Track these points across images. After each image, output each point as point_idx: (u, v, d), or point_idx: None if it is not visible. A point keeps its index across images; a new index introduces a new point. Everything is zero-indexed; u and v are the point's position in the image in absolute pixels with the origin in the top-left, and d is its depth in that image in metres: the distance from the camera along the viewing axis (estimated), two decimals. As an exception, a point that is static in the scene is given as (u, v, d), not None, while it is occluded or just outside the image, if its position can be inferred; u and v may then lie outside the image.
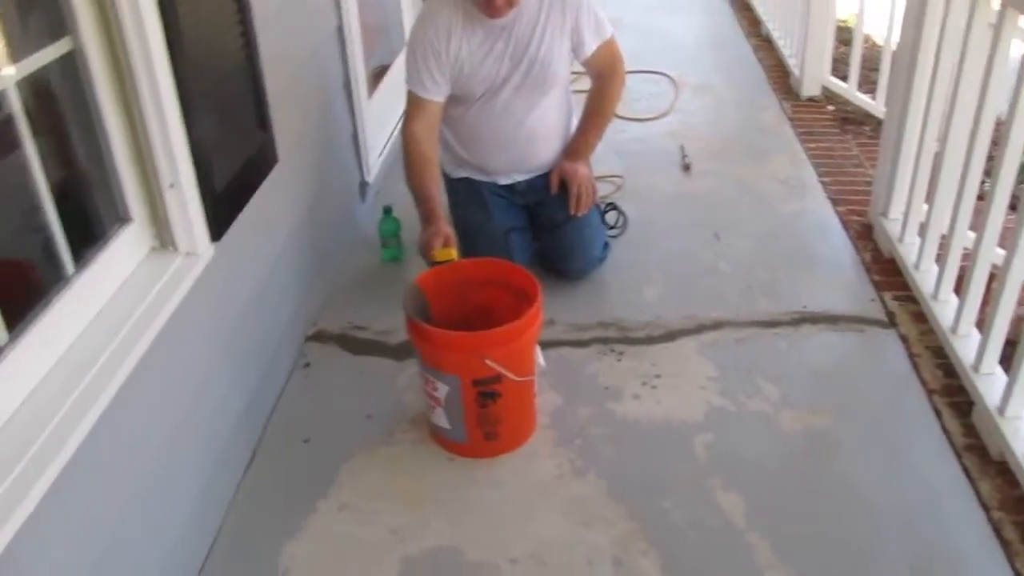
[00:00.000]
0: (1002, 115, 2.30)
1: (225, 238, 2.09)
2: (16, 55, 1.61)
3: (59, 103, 1.80)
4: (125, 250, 1.88)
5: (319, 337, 2.80)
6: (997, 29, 2.31)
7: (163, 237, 1.97)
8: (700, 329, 2.75)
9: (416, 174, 2.81)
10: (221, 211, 2.08)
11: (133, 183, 1.89)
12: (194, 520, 2.02)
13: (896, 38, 3.17)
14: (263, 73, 2.30)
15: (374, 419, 2.46)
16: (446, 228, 2.66)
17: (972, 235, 2.47)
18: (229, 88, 2.17)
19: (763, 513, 2.11)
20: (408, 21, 4.22)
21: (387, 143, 3.77)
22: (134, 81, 1.80)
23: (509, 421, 2.29)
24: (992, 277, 2.40)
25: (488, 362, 2.13)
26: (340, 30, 3.20)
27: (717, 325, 2.77)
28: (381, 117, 3.70)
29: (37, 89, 1.70)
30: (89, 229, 1.84)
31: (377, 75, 3.88)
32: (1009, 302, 2.27)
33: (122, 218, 1.89)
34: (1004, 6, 2.27)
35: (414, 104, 2.83)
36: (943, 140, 2.66)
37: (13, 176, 1.64)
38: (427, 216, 2.71)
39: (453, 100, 2.87)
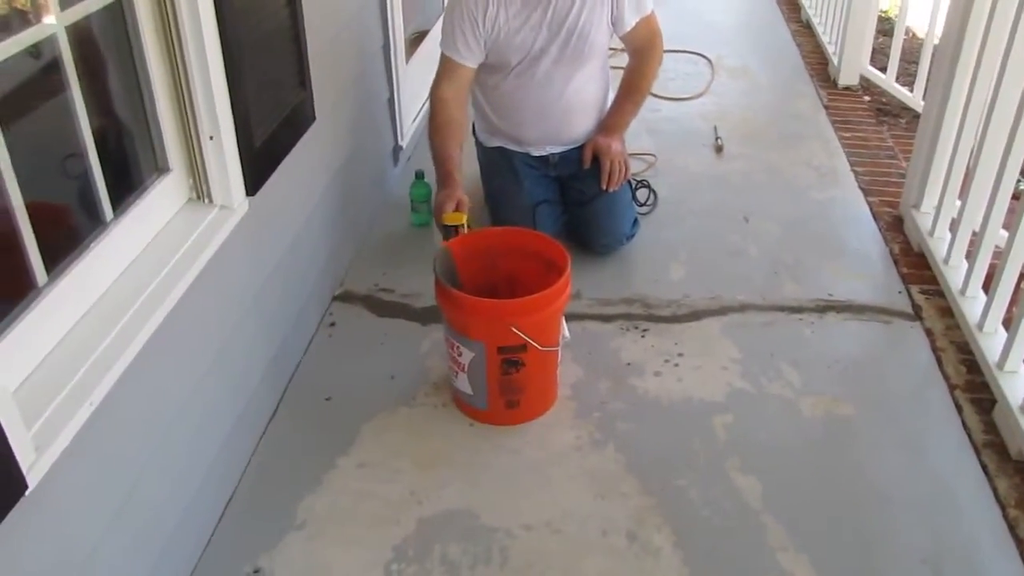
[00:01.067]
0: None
1: (260, 193, 2.11)
2: (65, 1, 1.62)
3: (105, 51, 1.81)
4: (162, 200, 1.90)
5: (346, 297, 2.82)
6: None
7: (200, 189, 1.99)
8: (725, 311, 2.75)
9: (439, 136, 2.81)
10: (258, 166, 2.10)
11: (173, 134, 1.91)
12: (217, 467, 2.05)
13: (938, 31, 3.14)
14: (305, 31, 2.30)
15: (397, 381, 2.48)
16: (460, 193, 2.65)
17: (1004, 233, 2.46)
18: (272, 44, 2.18)
19: (778, 496, 2.12)
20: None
21: (422, 108, 3.77)
22: (179, 32, 1.82)
23: (531, 390, 2.30)
24: (1022, 276, 2.39)
25: (514, 330, 2.14)
26: (383, -6, 3.21)
27: (742, 308, 2.77)
28: (417, 83, 3.70)
29: (84, 36, 1.71)
30: (128, 177, 1.86)
31: (415, 41, 3.87)
32: (1037, 302, 2.27)
33: (161, 168, 1.91)
34: (1054, 3, 2.25)
35: (446, 67, 2.84)
36: (981, 136, 2.64)
37: (57, 121, 1.65)
38: (443, 179, 2.72)
39: (489, 68, 2.88)
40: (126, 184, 1.83)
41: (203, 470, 1.98)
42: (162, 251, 1.83)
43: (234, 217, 2.01)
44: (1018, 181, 2.47)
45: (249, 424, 2.24)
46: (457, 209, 2.59)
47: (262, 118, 2.11)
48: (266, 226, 2.24)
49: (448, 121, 2.81)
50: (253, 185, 2.08)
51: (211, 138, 1.94)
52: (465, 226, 2.55)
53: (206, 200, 2.00)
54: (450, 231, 2.53)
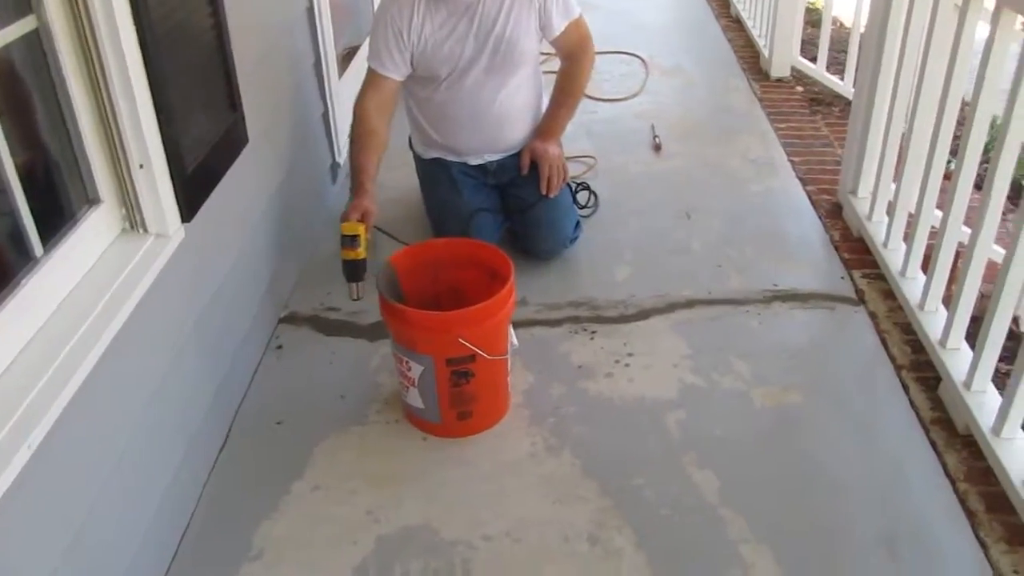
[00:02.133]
0: (967, 95, 2.32)
1: (196, 219, 2.07)
2: (-21, 33, 1.59)
3: (25, 83, 1.77)
4: (94, 232, 1.86)
5: (291, 319, 2.79)
6: (962, 11, 2.33)
7: (133, 218, 1.95)
8: (672, 308, 2.77)
9: (357, 147, 2.79)
10: (191, 192, 2.07)
11: (102, 164, 1.87)
12: (168, 501, 2.01)
13: (864, 20, 3.19)
14: (233, 53, 2.27)
15: (347, 400, 2.46)
16: (368, 203, 2.62)
17: (939, 214, 2.50)
18: (199, 68, 2.15)
19: (736, 489, 2.13)
20: (377, 1, 4.19)
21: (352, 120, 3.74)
22: (101, 60, 1.78)
23: (483, 400, 2.29)
24: (958, 255, 2.43)
25: (462, 341, 2.13)
26: (310, 10, 3.18)
27: (689, 304, 2.78)
28: (351, 98, 3.66)
29: (1, 68, 1.68)
30: (58, 211, 1.81)
31: (347, 56, 3.86)
32: (974, 279, 2.30)
33: (91, 199, 1.87)
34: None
35: (370, 79, 2.83)
36: (910, 120, 2.68)
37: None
38: (355, 189, 2.70)
39: (420, 81, 2.87)
40: (55, 218, 1.79)
41: (154, 505, 1.94)
42: (97, 285, 1.79)
43: (170, 245, 1.97)
44: (949, 161, 2.51)
45: (199, 454, 2.20)
46: (362, 220, 2.57)
47: (193, 143, 2.08)
48: (204, 252, 2.20)
49: (368, 133, 2.79)
50: (188, 211, 2.05)
51: (141, 166, 1.91)
52: (361, 236, 2.53)
53: (140, 230, 1.97)
54: (345, 240, 2.52)
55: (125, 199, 1.94)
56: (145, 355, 1.92)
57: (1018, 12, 2.09)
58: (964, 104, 2.38)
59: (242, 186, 2.42)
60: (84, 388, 1.59)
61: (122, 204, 1.94)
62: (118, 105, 1.83)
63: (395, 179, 3.42)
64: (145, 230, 1.97)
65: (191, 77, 2.10)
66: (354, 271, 2.55)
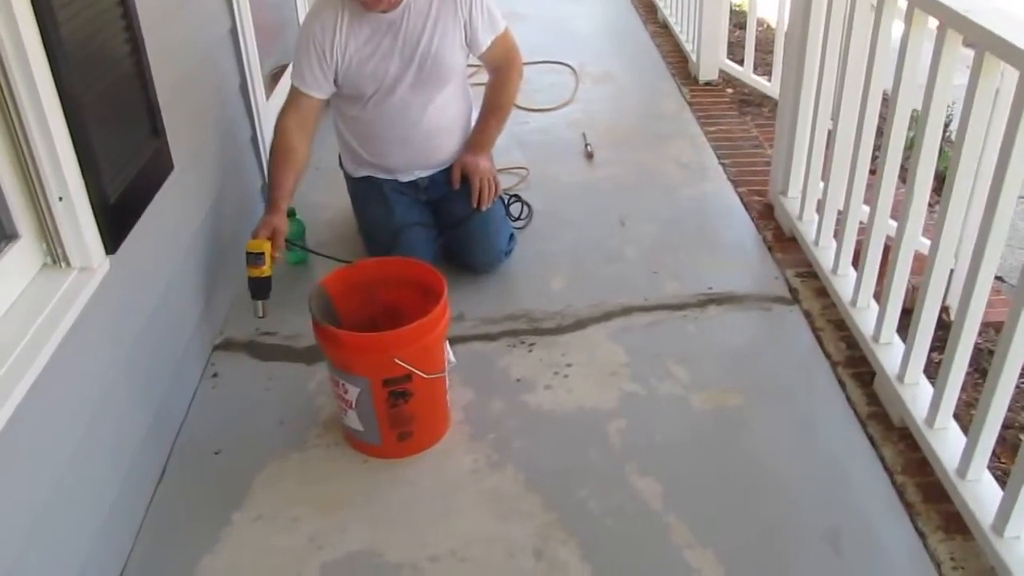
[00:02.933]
0: (889, 90, 2.36)
1: (121, 250, 2.03)
2: None
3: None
4: (14, 268, 1.81)
5: (226, 345, 2.75)
6: (878, 9, 2.37)
7: (54, 253, 1.91)
8: (609, 316, 2.77)
9: (275, 164, 2.78)
10: (115, 223, 2.02)
11: (18, 198, 1.82)
12: (103, 542, 1.96)
13: (788, 20, 3.22)
14: (153, 79, 2.24)
15: (286, 426, 2.42)
16: (279, 221, 2.64)
17: (867, 209, 2.54)
18: (117, 96, 2.10)
19: (679, 495, 2.14)
20: (303, 18, 4.16)
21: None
22: (12, 93, 1.73)
23: (422, 419, 2.28)
24: (888, 249, 2.47)
25: (397, 361, 2.11)
26: (234, 32, 3.14)
27: (626, 311, 2.79)
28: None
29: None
30: (-26, 248, 1.78)
31: (275, 76, 3.82)
32: (903, 272, 2.34)
33: (8, 235, 1.82)
34: (883, -13, 2.34)
35: (292, 96, 2.82)
36: (835, 119, 2.72)
37: None
38: (268, 206, 2.70)
39: (347, 99, 2.85)
40: (-28, 255, 1.75)
41: (87, 546, 1.89)
42: (17, 323, 1.74)
43: (95, 279, 1.93)
44: (875, 157, 2.55)
45: (135, 490, 2.16)
46: (272, 238, 2.57)
47: (115, 172, 2.04)
48: (132, 283, 2.16)
49: (286, 150, 2.77)
50: (112, 242, 2.00)
51: (60, 199, 1.86)
52: (267, 254, 2.54)
53: (62, 264, 1.92)
54: (250, 257, 2.53)
55: (45, 233, 1.89)
56: (73, 394, 1.87)
57: (928, 12, 2.12)
58: (886, 98, 2.42)
59: (169, 214, 2.38)
60: (6, 432, 1.55)
61: (42, 238, 1.89)
62: (32, 137, 1.78)
63: (328, 199, 3.40)
64: (68, 264, 1.92)
65: (110, 104, 2.05)
66: (259, 288, 2.58)
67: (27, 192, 1.84)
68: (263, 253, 2.52)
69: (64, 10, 1.81)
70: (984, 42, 1.88)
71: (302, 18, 4.11)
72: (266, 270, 2.56)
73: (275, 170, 2.76)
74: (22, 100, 1.75)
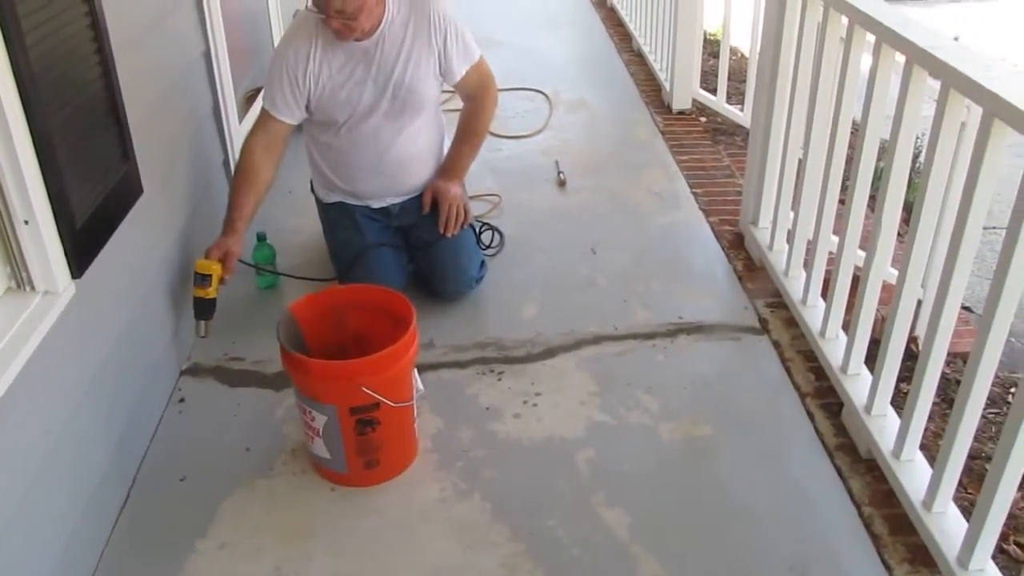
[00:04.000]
0: (858, 120, 2.39)
1: (87, 275, 2.01)
2: None
3: None
4: (-23, 291, 1.80)
5: (194, 371, 2.72)
6: (847, 44, 2.40)
7: (19, 276, 1.89)
8: (579, 344, 2.77)
9: (237, 185, 2.78)
10: (81, 247, 2.01)
11: (-17, 221, 1.81)
12: (64, 568, 1.93)
13: (759, 50, 3.26)
14: (124, 102, 2.22)
15: (253, 452, 2.40)
16: (233, 244, 2.65)
17: (836, 239, 2.56)
18: (86, 118, 2.09)
19: (646, 526, 2.14)
20: (278, 40, 4.16)
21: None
22: (-21, 115, 1.73)
23: (389, 448, 2.26)
24: (856, 279, 2.49)
25: (365, 390, 2.10)
26: (207, 55, 3.14)
27: (596, 340, 2.80)
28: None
29: None
30: (-64, 271, 1.76)
31: (249, 98, 3.81)
32: (871, 303, 2.36)
33: (-28, 259, 1.81)
34: (851, 23, 2.37)
35: (261, 119, 2.82)
36: (805, 147, 2.75)
37: None
38: (225, 227, 2.72)
39: (320, 125, 2.85)
40: (-65, 279, 1.73)
41: (49, 571, 1.87)
42: (-20, 347, 1.73)
43: (59, 303, 1.91)
44: (844, 187, 2.57)
45: (98, 516, 2.13)
46: (223, 259, 2.59)
47: (82, 196, 2.02)
48: (98, 308, 2.14)
49: (250, 171, 2.77)
50: (78, 267, 1.99)
51: (26, 223, 1.85)
52: (214, 276, 2.57)
53: (27, 288, 1.90)
54: (197, 278, 2.56)
55: (10, 256, 1.88)
56: (35, 418, 1.85)
57: (895, 48, 2.15)
58: (856, 128, 2.44)
59: (138, 238, 2.36)
60: (-34, 458, 1.53)
61: (7, 262, 1.88)
62: (-2, 161, 1.77)
63: (299, 224, 3.39)
64: (32, 288, 1.90)
65: (78, 128, 2.04)
66: (202, 309, 2.63)
67: (-8, 216, 1.82)
68: (211, 275, 2.56)
69: (33, 32, 1.80)
70: (949, 79, 1.90)
71: (276, 40, 4.15)
72: (211, 292, 2.59)
73: (236, 191, 2.76)
74: (-12, 123, 1.74)
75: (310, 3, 2.59)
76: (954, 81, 1.88)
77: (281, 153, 2.84)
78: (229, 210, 2.74)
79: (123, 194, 2.27)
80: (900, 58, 2.16)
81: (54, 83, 1.92)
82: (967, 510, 1.99)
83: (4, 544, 1.70)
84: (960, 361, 3.03)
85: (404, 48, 2.74)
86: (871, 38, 2.30)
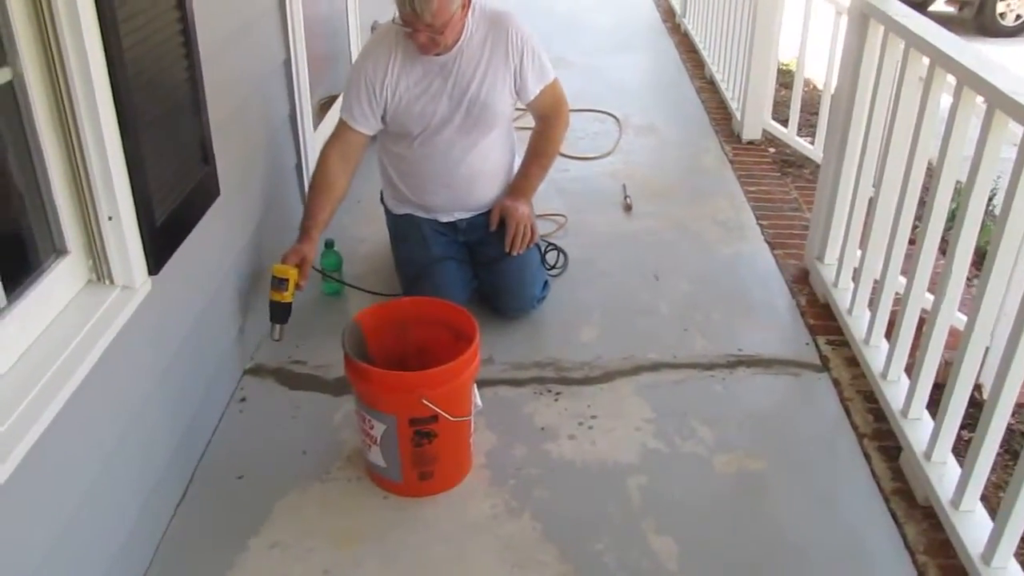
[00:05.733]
0: (934, 160, 2.37)
1: (163, 271, 2.07)
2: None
3: (-4, 132, 1.78)
4: (60, 282, 1.86)
5: (257, 371, 2.77)
6: (927, 84, 2.38)
7: (100, 270, 1.95)
8: (637, 370, 2.77)
9: (312, 193, 2.84)
10: (160, 244, 2.06)
11: (70, 215, 1.87)
12: (122, 558, 1.98)
13: (835, 84, 3.23)
14: (207, 106, 2.29)
15: (309, 455, 2.44)
16: (308, 250, 2.70)
17: (904, 280, 2.53)
18: (172, 121, 2.15)
19: (694, 557, 2.13)
20: (356, 51, 4.24)
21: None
22: (74, 112, 1.79)
23: (445, 461, 2.28)
24: (922, 322, 2.46)
25: (425, 402, 2.13)
26: (287, 63, 3.20)
27: (654, 367, 2.79)
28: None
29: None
30: (24, 261, 1.81)
31: (324, 105, 3.88)
32: (936, 347, 2.33)
33: (58, 250, 1.87)
34: (932, 64, 2.35)
35: (339, 130, 2.87)
36: (877, 186, 2.72)
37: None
38: (300, 234, 2.77)
39: (393, 137, 2.89)
40: (21, 268, 1.79)
41: (109, 560, 1.91)
42: (60, 336, 1.78)
43: (136, 298, 1.97)
44: (915, 227, 2.54)
45: (157, 509, 2.18)
46: (299, 265, 2.64)
47: (164, 196, 2.08)
48: (171, 305, 2.20)
49: (326, 181, 2.82)
50: (156, 264, 2.04)
51: (110, 218, 1.91)
52: (291, 281, 2.59)
53: (107, 281, 1.96)
54: (274, 282, 2.59)
55: (92, 250, 1.94)
56: (107, 408, 1.91)
57: (976, 91, 2.13)
58: (930, 169, 2.42)
59: (212, 239, 2.42)
60: (42, 441, 1.58)
61: (89, 255, 1.94)
62: (89, 157, 1.83)
63: (367, 234, 3.44)
64: (111, 282, 1.96)
65: (165, 130, 2.10)
66: (278, 313, 2.66)
67: (79, 210, 1.89)
68: (287, 280, 2.59)
69: (130, 36, 1.86)
70: (1031, 127, 1.88)
71: (354, 49, 4.23)
72: (287, 296, 2.62)
73: (312, 199, 2.82)
74: (82, 120, 1.80)
75: (396, 17, 2.63)
76: (1036, 129, 1.87)
77: (357, 163, 2.89)
78: (305, 217, 2.79)
79: (201, 195, 2.33)
80: (980, 100, 2.14)
81: (145, 84, 1.98)
82: (1028, 566, 1.96)
83: (72, 531, 1.75)
84: (1027, 412, 2.98)
85: (481, 64, 2.77)
86: (952, 79, 2.28)
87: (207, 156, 2.33)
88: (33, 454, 1.55)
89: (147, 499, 2.10)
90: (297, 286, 2.66)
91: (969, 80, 2.16)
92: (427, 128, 2.83)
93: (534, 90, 2.88)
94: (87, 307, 1.88)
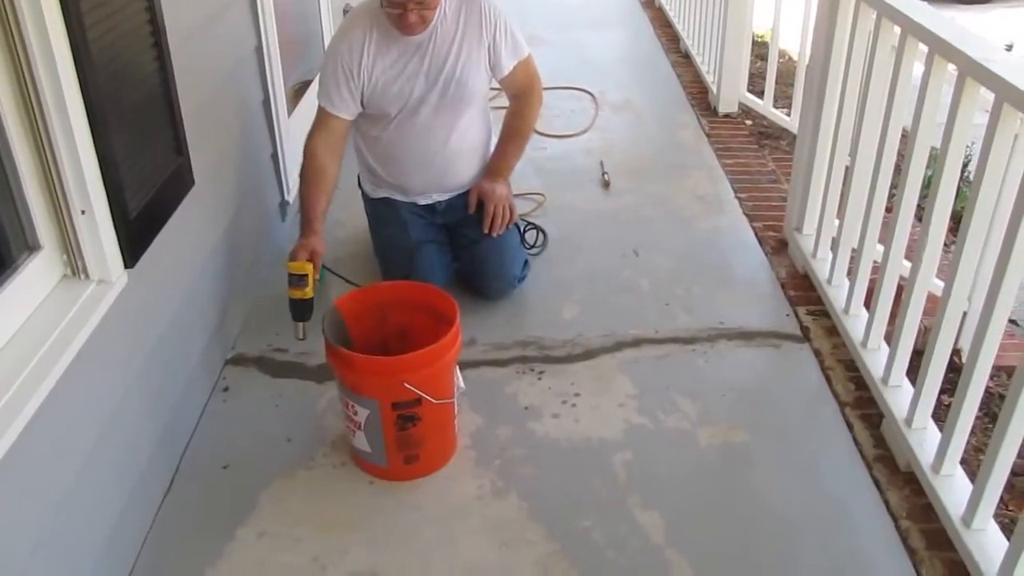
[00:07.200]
0: (908, 127, 2.37)
1: (139, 264, 2.05)
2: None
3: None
4: (34, 278, 1.84)
5: (238, 360, 2.77)
6: (899, 53, 2.38)
7: (74, 264, 1.94)
8: (619, 347, 2.78)
9: (307, 186, 2.81)
10: (135, 237, 2.05)
11: (42, 210, 1.85)
12: (109, 551, 1.98)
13: (809, 55, 3.23)
14: (178, 96, 2.27)
15: (294, 443, 2.44)
16: (316, 243, 2.67)
17: (881, 248, 2.54)
18: (143, 112, 2.13)
19: (681, 530, 2.14)
20: (329, 35, 4.20)
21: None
22: (42, 106, 1.76)
23: (429, 444, 2.29)
24: (901, 289, 2.47)
25: (407, 385, 2.13)
26: (259, 49, 3.18)
27: (636, 342, 2.80)
28: (301, 135, 3.65)
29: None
30: (-5, 257, 1.80)
31: (298, 91, 3.85)
32: (915, 314, 2.34)
33: (31, 246, 1.85)
34: (904, 33, 2.35)
35: (320, 117, 2.85)
36: (853, 155, 2.73)
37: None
38: (303, 228, 2.74)
39: (370, 119, 2.88)
40: (-6, 264, 1.78)
41: (95, 554, 1.91)
42: (36, 333, 1.77)
43: (112, 291, 1.95)
44: (892, 195, 2.55)
45: (143, 501, 2.18)
46: (310, 259, 2.60)
47: (137, 188, 2.06)
48: (149, 297, 2.19)
49: (317, 171, 2.80)
50: (131, 257, 2.03)
51: (83, 212, 1.89)
52: (309, 276, 2.55)
53: (82, 276, 1.95)
54: (293, 279, 2.54)
55: (66, 245, 1.92)
56: (87, 403, 1.90)
57: (947, 59, 2.14)
58: (905, 136, 2.42)
59: (188, 229, 2.41)
60: (23, 437, 1.58)
61: (63, 250, 1.92)
62: (59, 151, 1.81)
63: (345, 218, 3.43)
64: (87, 276, 1.95)
65: (135, 121, 2.08)
66: (301, 310, 2.60)
67: (51, 205, 1.87)
68: (306, 275, 2.54)
69: (95, 27, 1.84)
70: (1002, 92, 1.89)
71: (327, 32, 4.19)
72: (308, 292, 2.58)
73: (307, 192, 2.79)
74: (50, 114, 1.78)
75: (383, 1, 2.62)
76: (1007, 95, 1.87)
77: (342, 149, 2.88)
78: (303, 211, 2.77)
79: (175, 186, 2.31)
80: (953, 68, 2.14)
81: (113, 75, 1.96)
82: (1008, 527, 1.97)
83: (55, 526, 1.75)
84: (1005, 375, 3.01)
85: (455, 41, 2.76)
86: (923, 47, 2.28)
87: (180, 146, 2.31)
88: (14, 451, 1.55)
89: (132, 492, 2.09)
90: (314, 280, 2.63)
91: (940, 48, 2.16)
92: (404, 108, 2.81)
93: (508, 65, 2.87)
94: (62, 303, 1.87)
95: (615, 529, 2.15)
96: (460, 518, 2.20)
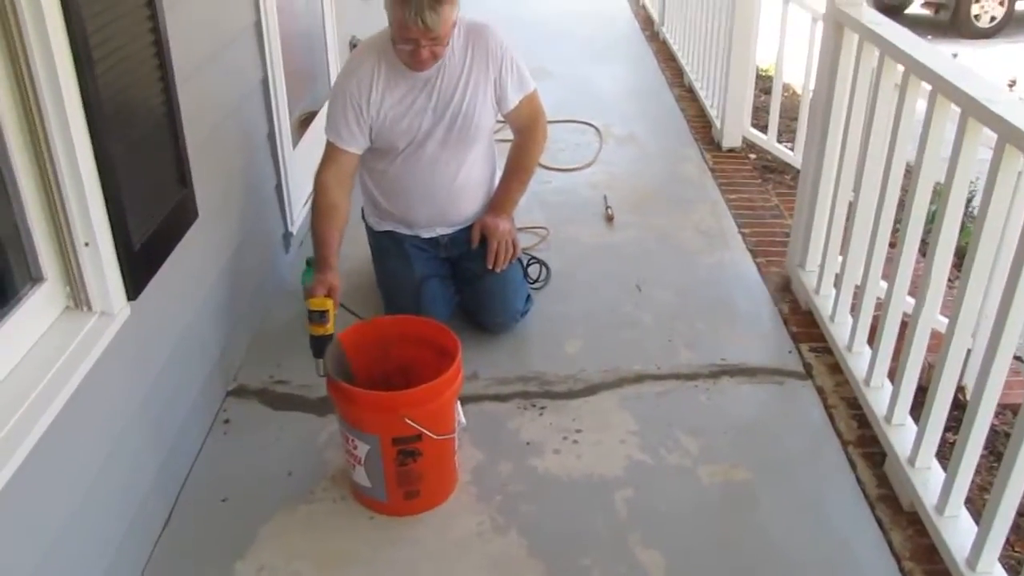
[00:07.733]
0: (912, 162, 2.38)
1: (142, 297, 2.06)
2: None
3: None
4: (37, 310, 1.85)
5: (240, 392, 2.76)
6: (902, 91, 2.39)
7: (77, 296, 1.94)
8: (621, 382, 2.77)
9: (319, 221, 2.80)
10: (138, 269, 2.05)
11: (46, 242, 1.86)
12: (106, 585, 1.97)
13: (813, 90, 3.23)
14: (184, 129, 2.28)
15: (294, 477, 2.43)
16: (332, 278, 2.64)
17: (885, 285, 2.54)
18: (148, 145, 2.14)
19: (682, 569, 2.13)
20: (335, 67, 4.22)
21: (312, 193, 3.75)
22: (47, 138, 1.78)
23: (430, 479, 2.28)
24: (905, 326, 2.46)
25: (408, 421, 2.12)
26: (265, 82, 3.19)
27: (638, 378, 2.79)
28: (306, 167, 3.66)
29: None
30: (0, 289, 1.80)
31: (303, 122, 3.87)
32: (919, 351, 2.33)
33: (34, 277, 1.86)
34: (907, 71, 2.36)
35: (329, 152, 2.84)
36: (856, 191, 2.73)
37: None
38: (319, 264, 2.71)
39: (377, 153, 2.88)
40: (-3, 295, 1.78)
41: (91, 589, 1.91)
42: (38, 364, 1.77)
43: (115, 323, 1.96)
44: (895, 229, 2.55)
45: (142, 534, 2.17)
46: (328, 295, 2.58)
47: (141, 220, 2.07)
48: (151, 329, 2.19)
49: (328, 206, 2.79)
50: (134, 289, 2.03)
51: (86, 244, 1.90)
52: (330, 312, 2.52)
53: (84, 308, 1.95)
54: (314, 316, 2.52)
55: (69, 277, 1.92)
56: (88, 435, 1.89)
57: (950, 99, 2.15)
58: (909, 171, 2.42)
59: (191, 261, 2.41)
60: (23, 469, 1.58)
61: (66, 282, 1.93)
62: (64, 183, 1.82)
63: (348, 250, 3.40)
64: (89, 308, 1.95)
65: (140, 153, 2.09)
66: (322, 347, 2.54)
67: (55, 236, 1.88)
68: (327, 311, 2.50)
69: (103, 61, 1.85)
70: (1004, 133, 1.89)
71: (333, 65, 4.21)
72: (329, 328, 2.52)
73: (320, 228, 2.78)
74: (56, 148, 1.79)
75: (394, 37, 2.61)
76: (1010, 136, 1.87)
77: (352, 184, 2.87)
78: (318, 248, 2.75)
79: (179, 218, 2.32)
80: (955, 107, 2.15)
81: (119, 109, 1.97)
82: (1014, 569, 1.96)
83: (54, 558, 1.74)
84: (1010, 413, 2.99)
85: (463, 76, 2.77)
86: (927, 86, 2.29)
87: (184, 178, 2.32)
88: (14, 483, 1.55)
89: (131, 524, 2.08)
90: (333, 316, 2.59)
91: (943, 87, 2.17)
92: (412, 142, 2.82)
93: (514, 100, 2.88)
94: (65, 335, 1.87)
95: (615, 567, 2.13)
96: (460, 554, 2.19)
